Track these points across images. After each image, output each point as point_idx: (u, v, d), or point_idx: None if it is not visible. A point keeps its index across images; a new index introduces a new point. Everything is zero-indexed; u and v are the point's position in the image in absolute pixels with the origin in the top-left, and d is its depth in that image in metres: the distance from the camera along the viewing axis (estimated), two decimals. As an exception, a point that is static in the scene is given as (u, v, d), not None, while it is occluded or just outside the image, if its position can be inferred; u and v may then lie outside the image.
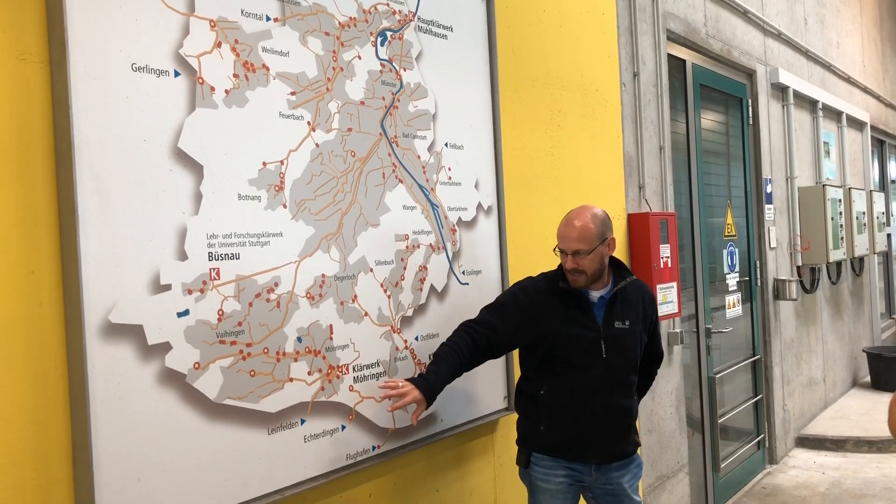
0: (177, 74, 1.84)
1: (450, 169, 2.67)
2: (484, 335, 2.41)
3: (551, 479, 2.50)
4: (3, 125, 1.58)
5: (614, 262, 2.57)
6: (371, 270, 2.34)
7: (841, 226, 6.50)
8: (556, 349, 2.45)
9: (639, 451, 2.61)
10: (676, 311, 3.92)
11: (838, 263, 7.11)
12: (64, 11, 1.62)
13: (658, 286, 3.76)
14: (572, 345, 2.45)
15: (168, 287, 1.80)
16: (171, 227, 1.81)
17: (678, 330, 4.17)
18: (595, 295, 2.51)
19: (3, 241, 1.56)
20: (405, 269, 2.47)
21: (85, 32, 1.66)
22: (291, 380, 2.09)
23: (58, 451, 1.64)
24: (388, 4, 2.44)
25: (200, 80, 1.89)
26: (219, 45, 1.94)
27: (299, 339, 2.11)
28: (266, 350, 2.02)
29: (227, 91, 1.95)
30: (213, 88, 1.92)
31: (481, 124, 2.83)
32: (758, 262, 5.58)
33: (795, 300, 5.93)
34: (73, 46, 1.64)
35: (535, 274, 2.60)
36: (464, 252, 2.72)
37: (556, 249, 2.49)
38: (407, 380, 2.27)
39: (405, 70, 2.50)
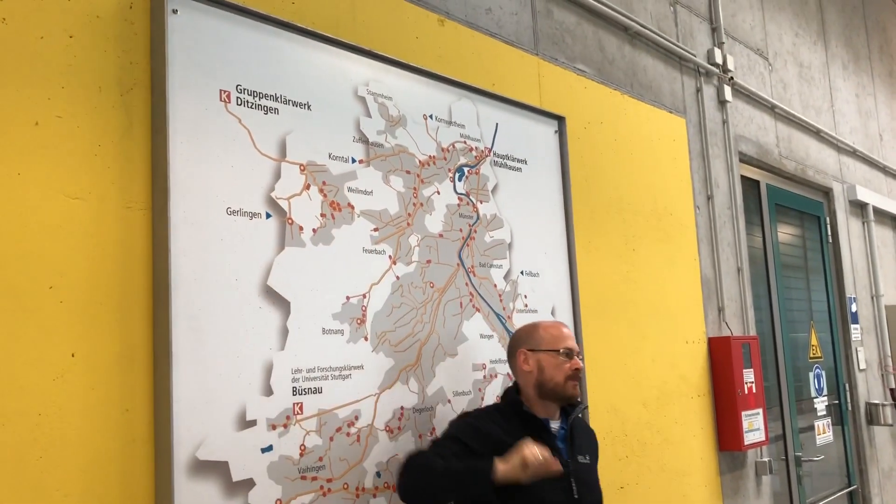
0: (268, 216, 1.94)
1: (526, 296, 2.68)
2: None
3: None
4: (110, 269, 1.68)
5: None
6: (449, 401, 2.34)
7: (935, 345, 6.18)
8: (524, 488, 1.94)
9: None
10: (763, 439, 3.75)
11: (935, 384, 6.71)
12: (168, 164, 1.74)
13: (743, 413, 3.62)
14: (544, 482, 1.95)
15: (253, 423, 1.83)
16: (258, 363, 1.86)
17: (766, 459, 3.96)
18: (554, 425, 2.14)
19: (103, 382, 1.63)
20: (482, 399, 2.45)
21: (186, 181, 1.78)
22: (370, 516, 2.06)
23: (141, 591, 1.64)
24: (465, 142, 2.54)
25: (290, 221, 1.99)
26: (307, 187, 2.04)
27: (378, 474, 2.10)
28: (346, 486, 2.01)
29: (314, 230, 2.04)
30: (301, 228, 2.00)
31: (556, 251, 2.86)
32: (847, 385, 5.33)
33: (892, 426, 5.60)
34: (174, 194, 1.75)
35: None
36: (541, 381, 2.69)
37: (554, 352, 2.13)
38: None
39: (481, 202, 2.57)
